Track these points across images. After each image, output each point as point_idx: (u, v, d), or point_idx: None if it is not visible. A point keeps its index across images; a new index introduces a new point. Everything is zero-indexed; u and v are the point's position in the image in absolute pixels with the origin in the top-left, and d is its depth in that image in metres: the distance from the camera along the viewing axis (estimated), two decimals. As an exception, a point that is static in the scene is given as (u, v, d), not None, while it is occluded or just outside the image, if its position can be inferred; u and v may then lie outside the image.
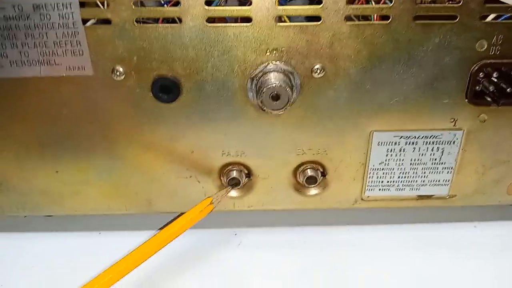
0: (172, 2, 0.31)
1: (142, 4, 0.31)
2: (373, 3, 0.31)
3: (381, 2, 0.32)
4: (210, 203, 0.37)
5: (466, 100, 0.35)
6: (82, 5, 0.31)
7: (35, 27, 0.32)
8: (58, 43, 0.32)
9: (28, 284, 0.37)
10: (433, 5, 0.31)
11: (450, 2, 0.32)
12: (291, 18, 0.32)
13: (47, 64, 0.33)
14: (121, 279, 0.32)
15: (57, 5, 0.31)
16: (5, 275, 0.38)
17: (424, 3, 0.31)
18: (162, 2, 0.31)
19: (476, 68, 0.33)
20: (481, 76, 0.34)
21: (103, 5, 0.31)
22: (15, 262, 0.39)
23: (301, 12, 0.31)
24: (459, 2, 0.31)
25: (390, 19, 0.32)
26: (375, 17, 0.32)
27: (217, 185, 0.39)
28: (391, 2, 0.31)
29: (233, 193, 0.39)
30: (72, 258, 0.40)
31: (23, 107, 0.35)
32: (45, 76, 0.33)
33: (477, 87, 0.34)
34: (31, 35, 0.32)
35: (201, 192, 0.39)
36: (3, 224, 0.43)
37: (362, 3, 0.32)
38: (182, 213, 0.36)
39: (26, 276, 0.38)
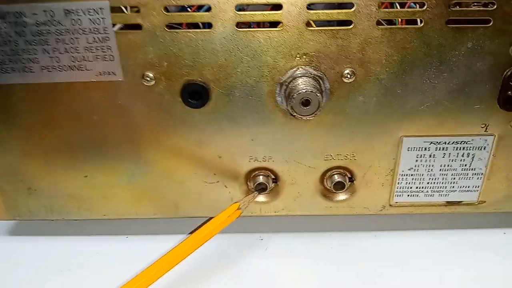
0: (204, 8, 0.31)
1: (174, 10, 0.31)
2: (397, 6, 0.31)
3: (406, 5, 0.31)
4: (238, 208, 0.37)
5: (498, 105, 0.34)
6: (113, 10, 0.31)
7: (66, 33, 0.32)
8: (88, 48, 0.32)
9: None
10: (466, 8, 0.31)
11: (484, 5, 0.31)
12: (319, 23, 0.32)
13: (78, 70, 0.33)
14: (151, 285, 0.32)
15: (88, 10, 0.31)
16: (31, 278, 0.38)
17: (457, 6, 0.31)
18: (192, 8, 0.31)
19: (509, 73, 0.33)
20: (514, 81, 0.33)
21: (134, 10, 0.31)
22: (42, 265, 0.39)
23: (333, 16, 0.31)
24: (493, 5, 0.31)
25: (422, 23, 0.31)
26: (400, 21, 0.32)
27: (244, 190, 0.39)
28: (421, 7, 0.31)
29: (260, 198, 0.39)
30: (99, 263, 0.40)
31: (53, 112, 0.35)
32: (76, 82, 0.33)
33: (510, 92, 0.34)
34: (62, 41, 0.32)
35: (228, 197, 0.39)
36: (31, 227, 0.43)
37: (387, 7, 0.31)
38: (209, 218, 0.36)
39: (54, 279, 0.38)
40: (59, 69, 0.33)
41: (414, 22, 0.32)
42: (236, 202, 0.37)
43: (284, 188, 0.39)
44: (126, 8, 0.31)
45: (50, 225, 0.43)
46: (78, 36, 0.32)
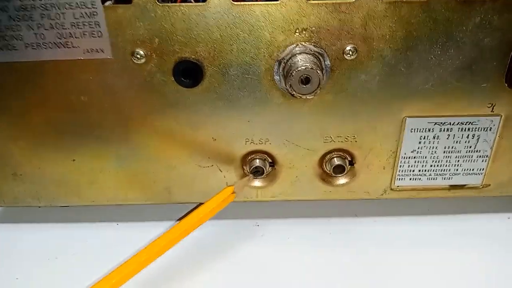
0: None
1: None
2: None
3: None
4: (232, 192, 0.35)
5: (506, 84, 0.33)
6: (101, -17, 0.29)
7: (51, 7, 0.30)
8: (75, 24, 0.30)
9: (45, 276, 0.36)
10: (474, -19, 0.29)
11: (493, -22, 0.29)
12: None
13: (64, 47, 0.31)
14: (141, 270, 0.31)
15: (74, -17, 0.29)
16: (21, 267, 0.36)
17: (466, -21, 0.29)
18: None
19: (518, 49, 0.32)
20: (523, 58, 0.32)
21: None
22: (30, 253, 0.38)
23: (335, -11, 0.29)
24: (503, -22, 0.29)
25: (428, -4, 0.30)
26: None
27: (239, 175, 0.37)
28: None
29: (257, 182, 0.38)
30: (89, 250, 0.38)
31: (38, 93, 0.33)
32: (62, 60, 0.31)
33: (518, 70, 0.32)
34: (47, 16, 0.30)
35: (223, 182, 0.37)
36: (17, 214, 0.41)
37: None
38: (202, 203, 0.35)
39: (43, 267, 0.36)
40: (44, 46, 0.31)
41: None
42: (230, 186, 0.35)
43: (281, 172, 0.37)
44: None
45: (38, 212, 0.41)
46: (64, 11, 0.30)
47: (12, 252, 0.38)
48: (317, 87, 0.31)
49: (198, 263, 0.37)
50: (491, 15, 0.30)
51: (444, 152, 0.36)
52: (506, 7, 0.30)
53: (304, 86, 0.31)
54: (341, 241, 0.38)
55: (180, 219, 0.37)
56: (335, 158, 0.36)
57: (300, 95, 0.31)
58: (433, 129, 0.35)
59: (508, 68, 0.32)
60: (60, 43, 0.31)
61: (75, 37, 0.31)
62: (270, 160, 0.37)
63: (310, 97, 0.31)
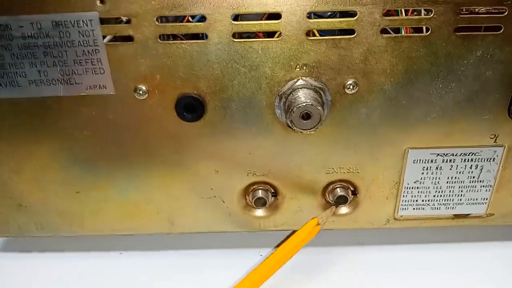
0: (198, 18, 0.29)
1: (166, 20, 0.30)
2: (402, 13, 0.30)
3: (409, 13, 0.30)
4: (317, 224, 0.36)
5: (508, 115, 0.33)
6: (102, 22, 0.29)
7: (54, 45, 0.30)
8: (78, 61, 0.31)
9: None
10: (475, 15, 0.29)
11: (494, 12, 0.29)
12: (321, 32, 0.30)
13: (67, 83, 0.31)
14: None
15: (77, 22, 0.29)
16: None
17: (466, 13, 0.29)
18: (187, 17, 0.30)
19: (520, 82, 0.31)
20: (525, 90, 0.32)
21: (125, 21, 0.30)
22: (33, 283, 0.38)
23: (335, 25, 0.29)
24: (504, 12, 0.29)
25: (429, 31, 0.30)
26: (405, 30, 0.30)
27: (242, 205, 0.37)
28: (428, 14, 0.29)
29: (259, 212, 0.38)
30: (92, 280, 0.38)
31: (43, 128, 0.33)
32: (65, 96, 0.32)
33: (520, 102, 0.32)
34: (50, 54, 0.30)
35: (226, 212, 0.37)
36: (22, 244, 0.42)
37: (391, 14, 0.30)
38: (291, 233, 0.36)
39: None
40: (47, 83, 0.31)
41: (420, 30, 0.30)
42: (314, 218, 0.36)
43: (284, 202, 0.37)
44: (116, 19, 0.30)
45: (42, 241, 0.41)
46: (66, 48, 0.30)
47: (16, 281, 0.38)
48: (318, 123, 0.31)
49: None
50: (492, 48, 0.30)
51: (447, 182, 0.36)
52: (508, 40, 0.30)
53: (305, 122, 0.31)
54: (343, 271, 0.38)
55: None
56: (337, 189, 0.36)
57: (301, 131, 0.31)
58: (435, 160, 0.35)
59: (510, 100, 0.32)
60: (63, 79, 0.31)
61: (78, 74, 0.31)
62: (272, 191, 0.37)
63: (311, 133, 0.31)
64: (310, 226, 0.36)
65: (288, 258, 0.35)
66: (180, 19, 0.30)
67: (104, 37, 0.30)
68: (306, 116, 0.30)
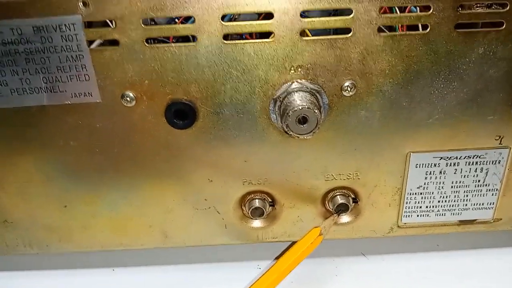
0: (183, 19, 0.28)
1: (153, 22, 0.28)
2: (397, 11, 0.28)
3: (407, 10, 0.28)
4: (320, 234, 0.35)
5: (514, 115, 0.31)
6: (86, 25, 0.28)
7: (36, 52, 0.29)
8: (62, 68, 0.29)
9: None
10: (476, 11, 0.28)
11: (495, 7, 0.28)
12: (315, 32, 0.29)
13: (51, 92, 0.30)
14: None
15: (59, 26, 0.28)
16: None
17: (467, 9, 0.28)
18: (174, 18, 0.28)
19: (525, 80, 0.30)
20: (531, 88, 0.30)
21: (110, 24, 0.28)
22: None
23: (329, 24, 0.28)
24: (506, 7, 0.28)
25: (428, 29, 0.28)
26: (400, 28, 0.29)
27: (238, 216, 0.36)
28: (427, 10, 0.28)
29: (257, 223, 0.36)
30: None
31: (26, 138, 0.32)
32: (50, 105, 0.30)
33: (526, 101, 0.31)
34: (32, 60, 0.29)
35: (222, 224, 0.36)
36: (10, 262, 0.40)
37: (387, 12, 0.28)
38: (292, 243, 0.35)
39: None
40: (30, 91, 0.30)
41: (419, 27, 0.29)
42: (316, 227, 0.35)
43: (282, 212, 0.36)
44: (100, 22, 0.28)
45: (31, 259, 0.39)
46: (49, 54, 0.29)
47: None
48: (315, 127, 0.29)
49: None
50: (495, 45, 0.29)
51: (451, 187, 0.34)
52: (511, 37, 0.29)
53: (302, 126, 0.29)
54: (347, 282, 0.37)
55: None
56: (338, 196, 0.35)
57: (298, 136, 0.30)
58: (439, 164, 0.33)
59: (515, 99, 0.31)
60: (47, 87, 0.30)
61: (62, 81, 0.30)
62: (270, 200, 0.35)
63: (308, 137, 0.30)
64: (312, 236, 0.34)
65: (290, 270, 0.34)
66: (167, 21, 0.29)
67: (91, 42, 0.29)
68: (303, 120, 0.29)
